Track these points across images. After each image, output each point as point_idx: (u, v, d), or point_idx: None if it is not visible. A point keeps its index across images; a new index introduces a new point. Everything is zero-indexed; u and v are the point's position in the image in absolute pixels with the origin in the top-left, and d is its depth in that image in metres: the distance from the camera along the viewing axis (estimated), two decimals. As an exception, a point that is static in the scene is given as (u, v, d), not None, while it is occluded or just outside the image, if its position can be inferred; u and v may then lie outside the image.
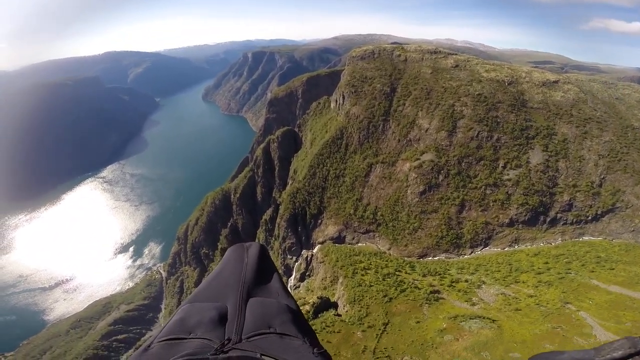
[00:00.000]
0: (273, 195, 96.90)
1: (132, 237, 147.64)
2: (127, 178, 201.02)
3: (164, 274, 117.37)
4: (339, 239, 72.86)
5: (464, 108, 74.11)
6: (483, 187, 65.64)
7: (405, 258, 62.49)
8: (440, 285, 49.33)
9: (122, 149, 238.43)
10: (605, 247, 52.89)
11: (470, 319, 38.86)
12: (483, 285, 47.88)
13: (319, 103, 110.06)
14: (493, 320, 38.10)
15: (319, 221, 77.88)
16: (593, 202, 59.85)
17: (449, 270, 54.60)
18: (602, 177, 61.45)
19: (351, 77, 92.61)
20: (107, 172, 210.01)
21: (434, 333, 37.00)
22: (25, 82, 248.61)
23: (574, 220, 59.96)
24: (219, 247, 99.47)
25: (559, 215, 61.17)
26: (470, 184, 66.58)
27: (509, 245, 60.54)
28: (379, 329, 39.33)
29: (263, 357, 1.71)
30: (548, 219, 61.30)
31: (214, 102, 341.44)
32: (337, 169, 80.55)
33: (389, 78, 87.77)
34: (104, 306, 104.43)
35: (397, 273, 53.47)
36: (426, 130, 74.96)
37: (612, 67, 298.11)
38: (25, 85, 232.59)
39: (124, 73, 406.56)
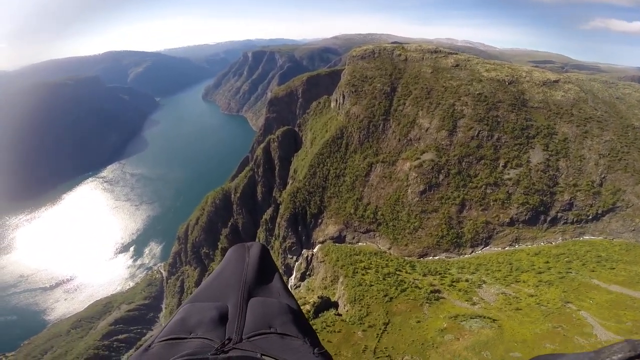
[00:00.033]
0: (273, 194, 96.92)
1: (132, 237, 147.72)
2: (127, 178, 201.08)
3: (164, 274, 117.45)
4: (339, 239, 72.86)
5: (464, 107, 74.04)
6: (483, 186, 65.59)
7: (406, 257, 62.48)
8: (441, 284, 49.33)
9: (122, 149, 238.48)
10: (606, 247, 52.85)
11: (471, 318, 38.86)
12: (483, 285, 47.87)
13: (319, 102, 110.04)
14: (494, 320, 38.09)
15: (320, 221, 77.87)
16: (593, 202, 59.80)
17: (449, 269, 54.59)
18: (602, 176, 61.38)
19: (351, 77, 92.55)
20: (108, 171, 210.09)
21: (435, 333, 37.01)
22: (25, 82, 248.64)
23: (575, 220, 59.91)
24: (220, 246, 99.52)
25: (559, 214, 61.13)
26: (470, 184, 66.53)
27: (510, 245, 60.50)
28: (380, 329, 39.34)
29: (263, 357, 1.71)
30: (548, 218, 61.25)
31: (214, 101, 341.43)
32: (338, 169, 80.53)
33: (389, 77, 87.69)
34: (105, 306, 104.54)
35: (397, 272, 53.47)
36: (426, 130, 74.91)
37: (613, 67, 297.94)
38: (25, 85, 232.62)
39: (124, 73, 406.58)
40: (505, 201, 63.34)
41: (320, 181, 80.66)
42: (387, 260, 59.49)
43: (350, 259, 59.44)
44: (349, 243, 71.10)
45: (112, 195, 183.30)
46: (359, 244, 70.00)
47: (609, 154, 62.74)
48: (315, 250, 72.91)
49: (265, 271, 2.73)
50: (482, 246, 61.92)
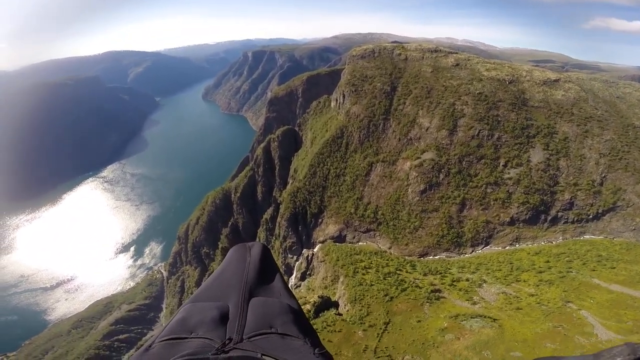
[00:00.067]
0: (273, 194, 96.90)
1: (132, 237, 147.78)
2: (127, 178, 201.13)
3: (164, 274, 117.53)
4: (339, 238, 72.86)
5: (464, 107, 73.99)
6: (484, 185, 65.56)
7: (406, 257, 62.47)
8: (441, 284, 49.31)
9: (122, 149, 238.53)
10: (606, 246, 52.81)
11: (472, 318, 38.86)
12: (484, 284, 47.85)
13: (319, 102, 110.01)
14: (494, 319, 38.09)
15: (320, 220, 77.87)
16: (594, 201, 59.76)
17: (449, 269, 54.57)
18: (603, 175, 61.34)
19: (351, 76, 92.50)
20: (108, 171, 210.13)
21: (435, 332, 37.01)
22: (25, 82, 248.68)
23: (575, 219, 59.88)
24: (220, 246, 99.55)
25: (559, 214, 61.10)
26: (471, 183, 66.50)
27: (510, 244, 60.48)
28: (380, 328, 39.34)
29: (264, 357, 1.70)
30: (549, 218, 61.23)
31: (214, 101, 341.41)
32: (338, 168, 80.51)
33: (389, 77, 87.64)
34: (105, 306, 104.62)
35: (397, 272, 53.46)
36: (427, 129, 74.86)
37: (613, 66, 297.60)
38: (26, 85, 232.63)
39: (124, 73, 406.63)
40: (506, 200, 63.32)
41: (320, 181, 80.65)
42: (387, 260, 59.47)
43: (351, 258, 59.44)
44: (350, 242, 71.10)
45: (113, 195, 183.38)
46: (360, 243, 70.00)
47: (609, 153, 62.70)
48: (315, 249, 72.92)
49: (267, 271, 2.72)
50: (483, 245, 61.90)
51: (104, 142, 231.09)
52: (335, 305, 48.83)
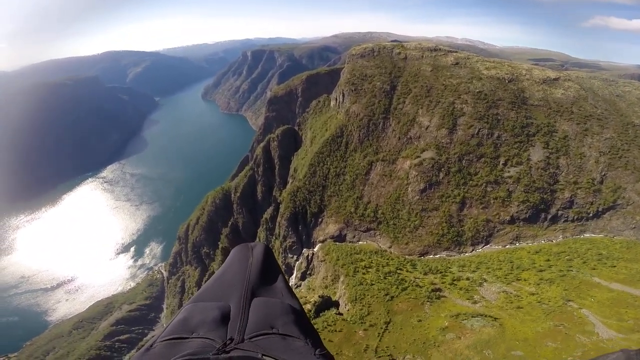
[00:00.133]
0: (273, 194, 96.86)
1: (133, 237, 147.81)
2: (127, 178, 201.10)
3: (165, 274, 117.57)
4: (339, 238, 72.86)
5: (464, 105, 73.93)
6: (484, 184, 65.54)
7: (406, 256, 62.49)
8: (442, 283, 49.35)
9: (122, 149, 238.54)
10: (607, 245, 52.81)
11: (472, 317, 38.89)
12: (484, 283, 47.88)
13: (319, 101, 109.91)
14: (495, 319, 38.12)
15: (320, 220, 77.87)
16: (594, 199, 59.74)
17: (450, 268, 54.61)
18: (603, 174, 61.32)
19: (351, 75, 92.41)
20: (108, 172, 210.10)
21: (436, 331, 37.04)
22: (25, 82, 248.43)
23: (575, 218, 59.87)
24: (220, 246, 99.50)
25: (559, 212, 61.08)
26: (470, 182, 66.48)
27: (510, 243, 60.47)
28: (381, 328, 39.37)
29: (264, 357, 1.71)
30: (549, 216, 61.21)
31: (213, 101, 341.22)
32: (338, 167, 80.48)
33: (388, 76, 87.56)
34: (106, 306, 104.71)
35: (398, 271, 53.50)
36: (426, 128, 74.81)
37: (613, 65, 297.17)
38: (25, 86, 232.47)
39: (123, 73, 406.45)
40: (506, 199, 63.31)
41: (320, 180, 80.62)
42: (387, 259, 59.50)
43: (351, 257, 59.47)
44: (350, 242, 71.11)
45: (113, 196, 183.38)
46: (360, 242, 70.01)
47: (609, 152, 62.67)
48: (315, 249, 72.93)
49: (269, 271, 2.72)
50: (483, 244, 61.90)
51: (103, 142, 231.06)
52: (336, 304, 48.85)
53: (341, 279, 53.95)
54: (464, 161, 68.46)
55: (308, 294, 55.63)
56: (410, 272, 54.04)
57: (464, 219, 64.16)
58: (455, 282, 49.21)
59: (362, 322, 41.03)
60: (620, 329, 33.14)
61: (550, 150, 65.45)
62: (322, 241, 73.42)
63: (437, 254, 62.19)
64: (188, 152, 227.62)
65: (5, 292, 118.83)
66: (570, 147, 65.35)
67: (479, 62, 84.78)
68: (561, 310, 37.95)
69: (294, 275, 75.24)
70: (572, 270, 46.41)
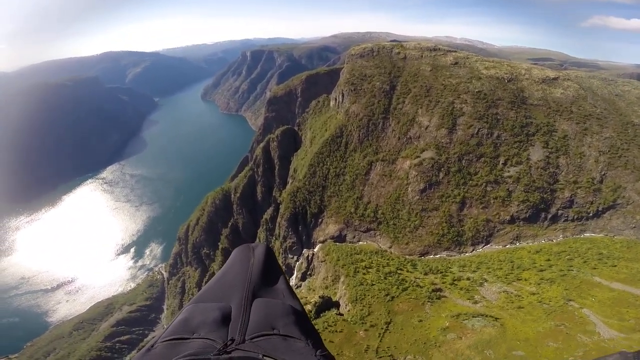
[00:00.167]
0: (273, 194, 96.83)
1: (133, 238, 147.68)
2: (127, 179, 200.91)
3: (165, 275, 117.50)
4: (339, 238, 72.86)
5: (463, 105, 73.96)
6: (484, 184, 65.57)
7: (407, 256, 62.51)
8: (442, 283, 49.37)
9: (121, 150, 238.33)
10: (607, 244, 52.85)
11: (473, 317, 38.90)
12: (485, 283, 47.90)
13: (319, 101, 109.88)
14: (496, 319, 38.13)
15: (320, 220, 77.85)
16: (594, 199, 59.78)
17: (450, 268, 54.63)
18: (602, 173, 61.36)
19: (350, 75, 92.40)
20: (107, 172, 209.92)
21: (437, 332, 37.04)
22: (25, 82, 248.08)
23: (575, 217, 59.91)
24: (220, 247, 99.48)
25: (560, 212, 61.12)
26: (470, 181, 66.51)
27: (510, 243, 60.50)
28: (382, 328, 39.37)
29: (265, 358, 1.72)
30: (549, 216, 61.24)
31: (213, 101, 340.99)
32: (337, 168, 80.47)
33: (388, 76, 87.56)
34: (107, 307, 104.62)
35: (398, 271, 53.51)
36: (426, 128, 74.83)
37: (612, 64, 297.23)
38: (25, 86, 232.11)
39: (123, 73, 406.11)
40: (506, 199, 63.34)
41: (320, 180, 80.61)
42: (388, 259, 59.52)
43: (351, 258, 59.47)
44: (350, 242, 71.11)
45: (112, 197, 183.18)
46: (360, 243, 70.02)
47: (609, 151, 62.71)
48: (315, 249, 72.93)
49: (270, 272, 2.72)
50: (483, 244, 61.92)
51: (103, 143, 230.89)
52: (336, 305, 48.85)
53: (341, 279, 53.95)
54: (463, 161, 68.48)
55: (308, 295, 55.61)
56: (410, 272, 54.06)
57: (464, 219, 64.19)
58: (455, 282, 49.23)
59: (362, 323, 41.03)
60: (621, 329, 33.14)
61: (550, 150, 65.49)
62: (322, 241, 73.42)
63: (437, 254, 62.21)
64: (188, 153, 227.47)
65: (6, 293, 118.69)
66: (570, 146, 65.40)
67: (478, 61, 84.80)
68: (562, 310, 37.96)
69: (294, 275, 75.24)
70: (572, 270, 46.43)
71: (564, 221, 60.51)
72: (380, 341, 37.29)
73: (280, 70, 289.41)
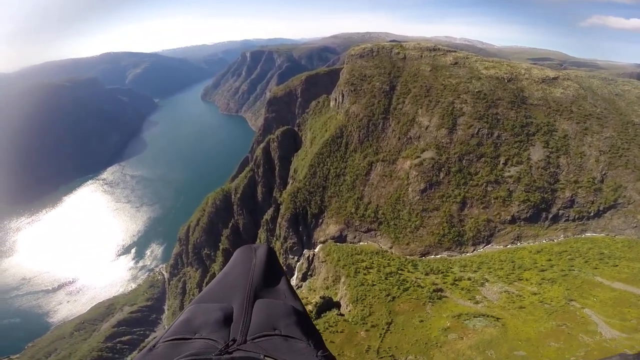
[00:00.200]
0: (274, 195, 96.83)
1: (133, 239, 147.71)
2: (127, 179, 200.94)
3: (166, 275, 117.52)
4: (340, 238, 72.85)
5: (463, 105, 73.96)
6: (484, 184, 65.56)
7: (408, 256, 62.48)
8: (443, 283, 49.35)
9: (122, 150, 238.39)
10: (608, 244, 52.83)
11: (474, 317, 38.88)
12: (486, 283, 47.88)
13: (319, 102, 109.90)
14: (497, 319, 38.11)
15: (320, 220, 77.85)
16: (595, 198, 59.76)
17: (451, 268, 54.61)
18: (603, 173, 61.36)
19: (350, 76, 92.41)
20: (108, 173, 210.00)
21: (438, 332, 37.03)
22: (25, 83, 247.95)
23: (576, 217, 59.88)
24: (221, 247, 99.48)
25: (560, 211, 61.10)
26: (471, 181, 66.50)
27: (511, 243, 60.48)
28: (383, 328, 39.37)
29: (266, 358, 1.72)
30: (550, 216, 61.23)
31: (213, 102, 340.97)
32: (338, 168, 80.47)
33: (388, 76, 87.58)
34: (107, 308, 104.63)
35: (399, 272, 53.49)
36: (426, 128, 74.83)
37: (611, 64, 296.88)
38: (25, 87, 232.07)
39: (123, 74, 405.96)
40: (507, 199, 63.32)
41: (320, 181, 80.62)
42: (388, 260, 59.50)
43: (352, 258, 59.46)
44: (350, 242, 71.10)
45: (113, 197, 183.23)
46: (360, 243, 70.01)
47: (609, 151, 62.71)
48: (316, 250, 72.93)
49: (272, 273, 2.73)
50: (484, 244, 61.91)
51: (104, 144, 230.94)
52: (337, 305, 48.86)
53: (342, 279, 53.94)
54: (464, 161, 68.48)
55: (309, 295, 55.61)
56: (411, 272, 54.04)
57: (464, 219, 64.17)
58: (456, 282, 49.22)
59: (363, 323, 41.03)
60: (623, 329, 33.12)
61: (550, 150, 65.49)
62: (323, 242, 73.43)
63: (438, 254, 62.20)
64: (188, 154, 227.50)
65: (7, 294, 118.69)
66: (571, 146, 65.39)
67: (478, 61, 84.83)
68: (563, 310, 37.94)
69: (295, 276, 75.22)
70: (574, 270, 46.41)
71: (565, 221, 60.50)
72: (381, 341, 37.29)
73: (280, 71, 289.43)
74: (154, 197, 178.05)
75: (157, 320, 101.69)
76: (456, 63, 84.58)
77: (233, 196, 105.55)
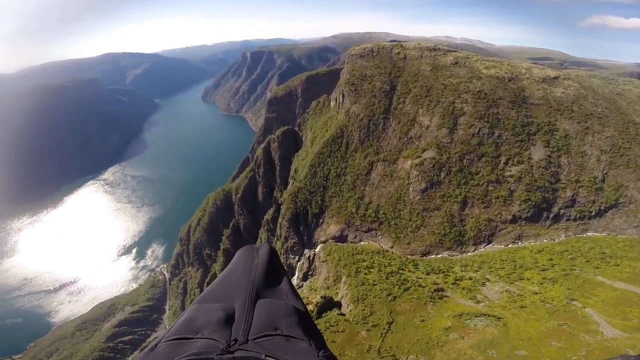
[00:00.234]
0: (274, 195, 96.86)
1: (134, 239, 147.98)
2: (128, 180, 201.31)
3: (167, 275, 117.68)
4: (341, 238, 72.85)
5: (464, 105, 73.91)
6: (485, 183, 65.51)
7: (408, 256, 62.44)
8: (444, 283, 49.32)
9: (122, 151, 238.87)
10: (610, 243, 52.75)
11: (476, 316, 38.86)
12: (487, 283, 47.84)
13: (319, 102, 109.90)
14: (498, 318, 38.09)
15: (321, 220, 77.87)
16: (596, 198, 59.69)
17: (452, 268, 54.57)
18: (604, 172, 61.27)
19: (351, 76, 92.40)
20: (109, 174, 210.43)
21: (439, 331, 37.01)
22: (26, 84, 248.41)
23: (577, 216, 59.81)
24: (221, 247, 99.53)
25: (562, 211, 61.03)
26: (472, 181, 66.45)
27: (513, 242, 60.44)
28: (384, 328, 39.36)
29: (268, 358, 1.73)
30: (551, 215, 61.16)
31: (213, 102, 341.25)
32: (338, 168, 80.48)
33: (388, 76, 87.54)
34: (109, 308, 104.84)
35: (400, 271, 53.46)
36: (427, 128, 74.79)
37: (611, 63, 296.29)
38: (26, 87, 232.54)
39: (123, 74, 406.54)
40: (508, 198, 63.27)
41: (321, 181, 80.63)
42: (389, 259, 59.46)
43: (353, 258, 59.43)
44: (351, 242, 71.09)
45: (114, 198, 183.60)
46: (361, 243, 70.00)
47: (610, 150, 62.63)
48: (317, 250, 72.93)
49: (274, 273, 2.75)
50: (485, 244, 61.86)
51: (104, 144, 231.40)
52: (338, 305, 48.86)
53: (343, 279, 53.92)
54: (465, 160, 68.44)
55: (310, 295, 55.62)
56: (412, 272, 54.01)
57: (465, 219, 64.13)
58: (457, 282, 49.17)
59: (364, 323, 41.02)
60: (624, 328, 33.08)
61: (551, 149, 65.43)
62: (324, 242, 73.42)
63: (439, 254, 62.17)
64: (188, 154, 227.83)
65: (9, 294, 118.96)
66: (572, 145, 65.32)
67: (479, 61, 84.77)
68: (565, 310, 37.89)
69: (296, 276, 75.26)
70: (575, 269, 46.35)
71: (566, 220, 60.43)
72: (382, 341, 37.29)
73: (280, 71, 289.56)
74: (154, 197, 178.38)
75: (158, 320, 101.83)
76: (456, 63, 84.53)
77: (234, 196, 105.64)
